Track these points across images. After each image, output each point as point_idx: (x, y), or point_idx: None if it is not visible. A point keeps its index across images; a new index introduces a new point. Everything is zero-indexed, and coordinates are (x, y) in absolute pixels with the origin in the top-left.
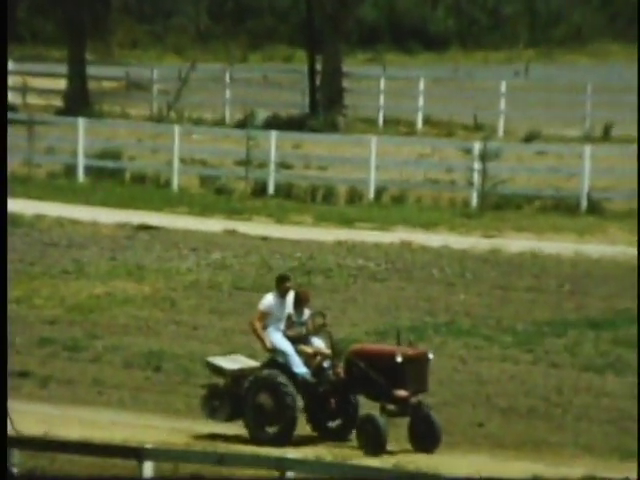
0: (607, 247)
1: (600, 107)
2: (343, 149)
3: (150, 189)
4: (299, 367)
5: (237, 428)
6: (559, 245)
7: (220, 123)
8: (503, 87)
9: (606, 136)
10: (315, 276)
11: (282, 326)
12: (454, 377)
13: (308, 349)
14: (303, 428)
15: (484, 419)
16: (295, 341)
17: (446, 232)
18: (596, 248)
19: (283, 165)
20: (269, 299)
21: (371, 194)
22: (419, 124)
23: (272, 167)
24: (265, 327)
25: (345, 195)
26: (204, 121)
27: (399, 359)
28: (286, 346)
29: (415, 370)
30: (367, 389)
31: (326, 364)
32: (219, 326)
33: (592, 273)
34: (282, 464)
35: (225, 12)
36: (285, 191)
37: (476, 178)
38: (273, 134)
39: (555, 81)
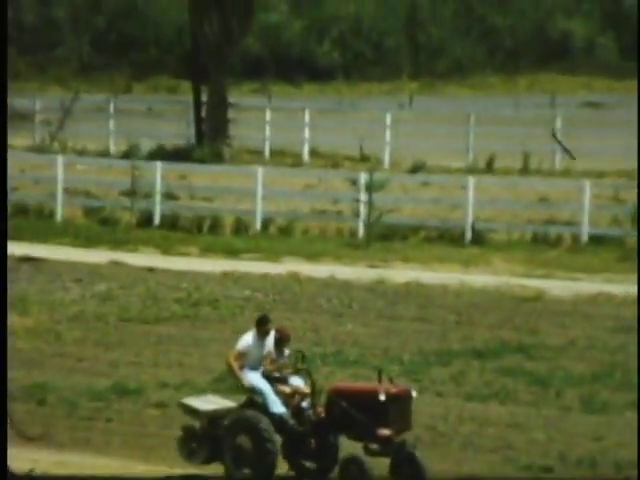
0: (491, 277)
1: (482, 139)
2: (229, 180)
3: (33, 220)
4: (278, 407)
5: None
6: (444, 275)
7: (104, 153)
8: (388, 119)
9: (489, 167)
10: (202, 307)
11: (260, 366)
12: None
13: (287, 388)
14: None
15: None
16: (274, 380)
17: (333, 262)
18: (480, 278)
19: (169, 196)
20: (247, 339)
21: (258, 225)
22: (305, 155)
23: (158, 198)
24: (242, 367)
25: (231, 226)
26: (88, 151)
27: (382, 397)
28: (264, 386)
29: (398, 408)
30: (349, 428)
31: (305, 404)
32: (105, 358)
33: (477, 303)
34: None
35: (108, 43)
36: (171, 222)
37: (362, 209)
38: (158, 165)
39: (438, 113)
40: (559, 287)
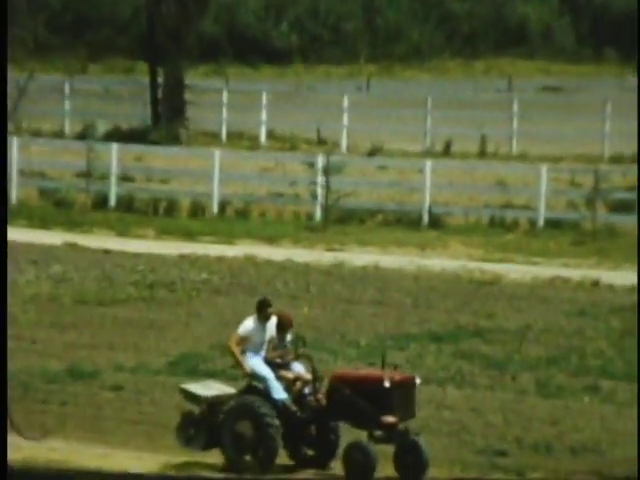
0: (448, 261)
1: (440, 122)
2: (186, 162)
3: None
4: (279, 393)
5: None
6: (402, 259)
7: (59, 135)
8: (345, 102)
9: (446, 151)
10: (158, 290)
11: (261, 351)
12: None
13: (289, 374)
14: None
15: None
16: (275, 366)
17: (290, 246)
18: (437, 262)
19: (124, 178)
20: (249, 324)
21: (215, 207)
22: (262, 138)
23: (113, 180)
24: (243, 351)
25: (188, 208)
26: (43, 132)
27: (387, 384)
28: (266, 371)
29: (402, 395)
30: (352, 415)
31: (307, 390)
32: (59, 340)
33: (434, 287)
34: None
35: (64, 24)
36: (127, 204)
37: (320, 192)
38: (114, 146)
39: (396, 96)
40: (516, 271)
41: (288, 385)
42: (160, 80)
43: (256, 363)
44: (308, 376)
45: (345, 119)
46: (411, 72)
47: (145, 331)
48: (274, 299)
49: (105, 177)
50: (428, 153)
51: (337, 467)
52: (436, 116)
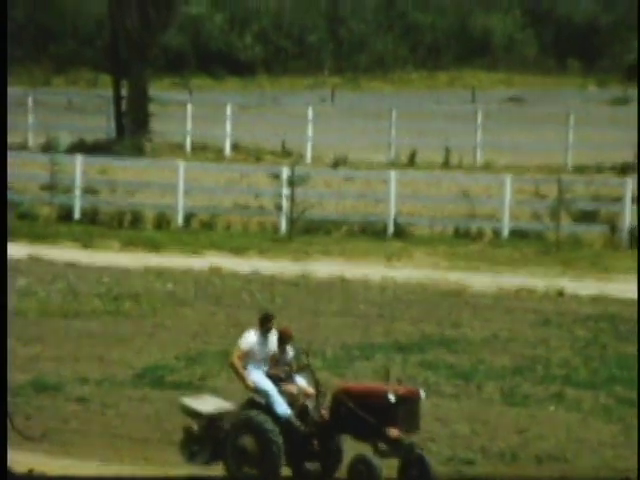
0: (413, 271)
1: (404, 133)
2: (150, 174)
3: None
4: (282, 408)
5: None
6: (367, 269)
7: (23, 147)
8: (310, 113)
9: (411, 162)
10: (123, 302)
11: (263, 365)
12: None
13: (292, 389)
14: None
15: None
16: (278, 380)
17: (256, 257)
18: (403, 272)
19: (89, 190)
20: (251, 338)
21: (180, 219)
22: (227, 150)
23: (78, 192)
24: (245, 366)
25: (153, 220)
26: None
27: (392, 398)
28: (268, 386)
29: (407, 409)
30: (357, 429)
31: (310, 404)
32: (24, 353)
33: (399, 297)
34: None
35: (27, 36)
36: (91, 216)
37: (285, 203)
38: (78, 158)
39: (360, 108)
40: (481, 281)
41: (291, 399)
42: (124, 92)
43: (258, 377)
44: (311, 390)
45: (310, 130)
46: (375, 83)
47: (110, 343)
48: (240, 310)
49: (69, 190)
50: (393, 164)
51: None
52: (400, 127)
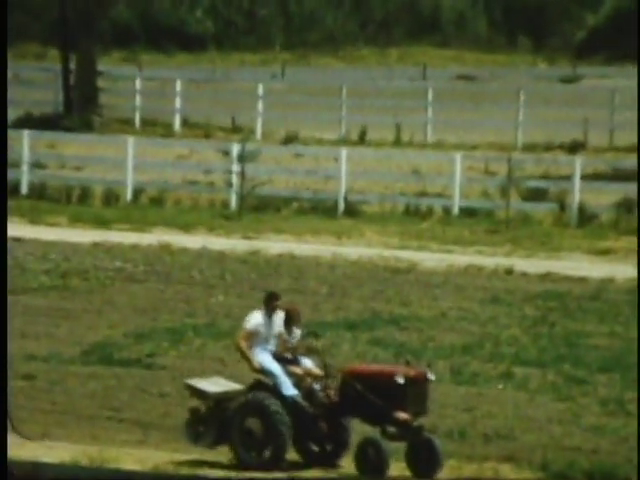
0: (364, 249)
1: (355, 110)
2: (99, 149)
3: None
4: (289, 389)
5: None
6: (317, 247)
7: None
8: (260, 89)
9: (361, 139)
10: (71, 278)
11: (270, 346)
12: None
13: (298, 370)
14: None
15: None
16: (285, 361)
17: (205, 234)
18: (353, 250)
19: (37, 165)
20: (257, 318)
21: (129, 195)
22: (177, 125)
23: (25, 167)
24: (251, 347)
25: (101, 196)
26: None
27: (400, 380)
28: (275, 367)
29: (416, 392)
30: (365, 411)
31: (317, 386)
32: None
33: (349, 275)
34: None
35: None
36: (39, 191)
37: (235, 180)
38: (26, 133)
39: (311, 84)
40: (431, 259)
41: (298, 381)
42: (72, 66)
43: (265, 358)
44: (318, 371)
45: (260, 107)
46: (326, 60)
47: (58, 320)
48: (189, 287)
49: (17, 164)
50: (343, 141)
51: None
52: (351, 104)
